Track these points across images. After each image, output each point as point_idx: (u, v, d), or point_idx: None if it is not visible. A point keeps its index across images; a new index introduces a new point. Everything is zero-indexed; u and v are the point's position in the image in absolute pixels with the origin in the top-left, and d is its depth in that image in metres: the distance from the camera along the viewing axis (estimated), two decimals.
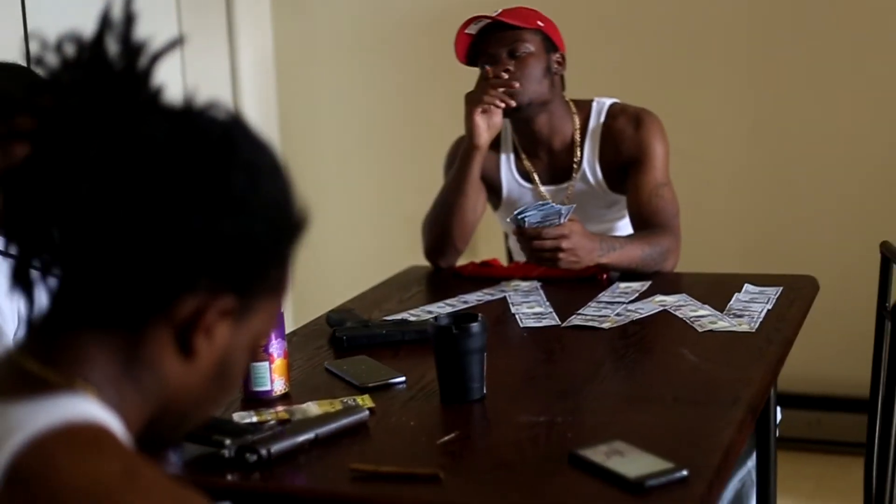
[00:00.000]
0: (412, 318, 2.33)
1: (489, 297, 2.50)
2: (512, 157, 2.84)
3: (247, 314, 0.99)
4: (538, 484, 1.51)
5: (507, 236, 3.23)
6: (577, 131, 2.78)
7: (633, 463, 1.50)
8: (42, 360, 0.94)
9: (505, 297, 2.49)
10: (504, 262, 3.03)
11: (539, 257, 2.46)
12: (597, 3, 3.81)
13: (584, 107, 2.81)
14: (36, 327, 0.97)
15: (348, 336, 2.16)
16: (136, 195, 0.90)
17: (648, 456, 1.53)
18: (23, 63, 2.05)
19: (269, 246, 0.98)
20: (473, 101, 2.63)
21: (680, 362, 2.00)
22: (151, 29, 0.99)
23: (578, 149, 2.77)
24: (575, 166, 2.77)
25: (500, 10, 2.67)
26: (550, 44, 2.71)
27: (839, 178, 3.77)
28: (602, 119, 2.78)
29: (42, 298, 0.98)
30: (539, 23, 2.69)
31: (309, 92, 4.36)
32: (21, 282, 0.96)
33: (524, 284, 2.59)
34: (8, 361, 0.95)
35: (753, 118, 3.84)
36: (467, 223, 2.76)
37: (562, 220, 2.43)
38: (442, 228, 2.76)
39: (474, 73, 2.68)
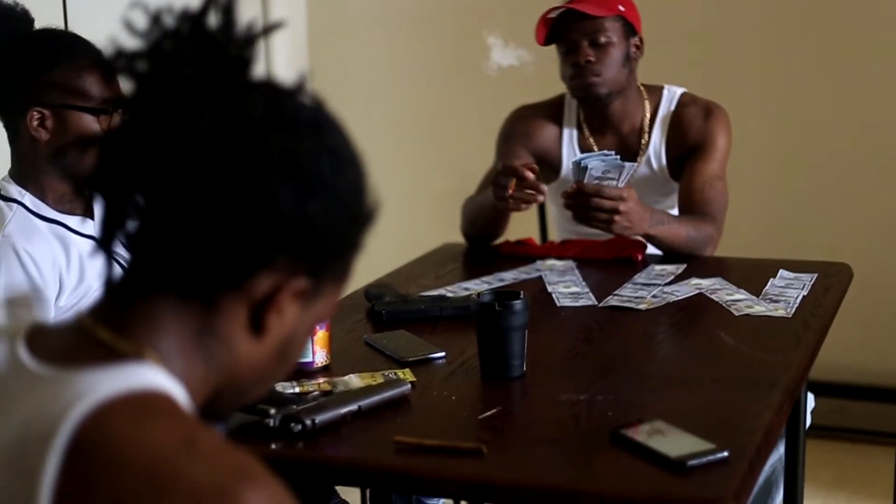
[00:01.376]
0: (450, 295, 2.34)
1: (525, 276, 2.51)
2: (575, 132, 2.83)
3: (315, 297, 1.00)
4: (580, 461, 1.53)
5: (541, 214, 3.23)
6: (647, 117, 2.79)
7: (674, 443, 1.52)
8: (114, 329, 0.95)
9: (541, 276, 2.50)
10: (538, 240, 3.04)
11: (594, 217, 2.46)
12: None
13: (655, 92, 2.82)
14: (110, 294, 0.99)
15: (387, 310, 2.18)
16: (230, 170, 0.92)
17: (689, 436, 1.54)
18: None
19: (346, 231, 0.99)
20: (503, 203, 2.50)
21: (718, 345, 2.01)
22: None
23: (647, 134, 2.78)
24: (641, 151, 2.79)
25: None
26: (630, 28, 2.72)
27: (869, 165, 3.75)
28: (672, 107, 2.80)
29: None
30: (620, 7, 2.68)
31: (341, 72, 4.36)
32: (104, 245, 0.97)
33: (559, 264, 2.60)
34: (80, 328, 0.97)
35: (784, 104, 3.83)
36: (504, 227, 2.79)
37: (621, 180, 2.45)
38: (480, 229, 2.78)
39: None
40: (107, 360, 0.93)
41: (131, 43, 0.96)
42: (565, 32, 2.67)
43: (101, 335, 0.95)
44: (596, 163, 2.45)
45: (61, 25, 2.80)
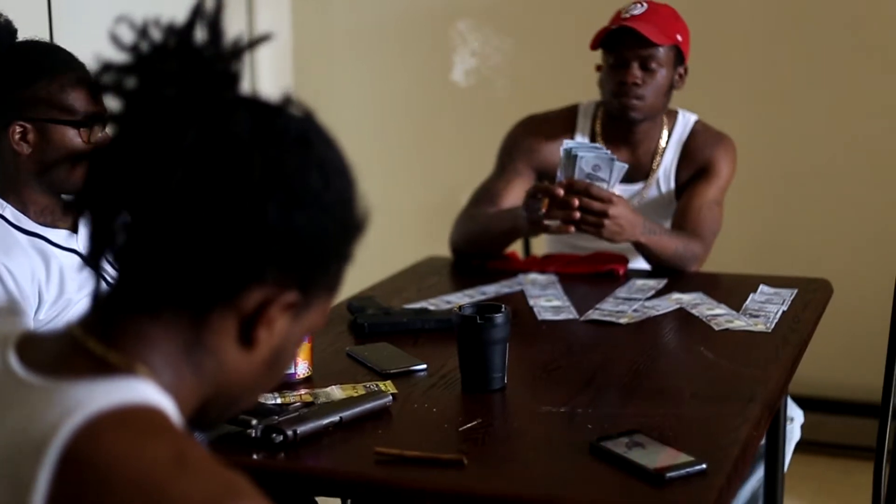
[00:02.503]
0: (432, 308, 2.35)
1: (507, 290, 2.52)
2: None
3: (305, 309, 1.01)
4: (560, 472, 1.54)
5: None
6: (664, 140, 2.80)
7: (653, 455, 1.53)
8: (104, 342, 0.96)
9: (523, 290, 2.51)
10: (520, 254, 3.05)
11: (582, 220, 2.45)
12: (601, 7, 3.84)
13: (670, 116, 2.83)
14: (99, 307, 1.00)
15: (370, 323, 2.19)
16: (217, 186, 0.93)
17: (668, 448, 1.56)
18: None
19: (335, 242, 1.00)
20: (537, 227, 2.51)
21: (697, 359, 2.03)
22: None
23: (660, 157, 2.80)
24: (651, 172, 2.80)
25: (645, 8, 2.65)
26: (681, 57, 2.72)
27: (850, 180, 3.78)
28: (686, 133, 2.82)
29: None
30: (678, 36, 2.68)
31: (325, 86, 4.38)
32: (92, 261, 0.98)
33: (542, 278, 2.61)
34: (70, 338, 0.97)
35: (764, 120, 3.85)
36: (507, 248, 2.80)
37: (612, 180, 2.45)
38: (481, 247, 2.77)
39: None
40: (98, 372, 0.93)
41: (118, 57, 0.97)
42: (620, 46, 2.65)
43: (91, 347, 0.96)
44: (587, 154, 2.44)
45: (46, 37, 2.81)
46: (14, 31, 2.04)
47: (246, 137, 0.95)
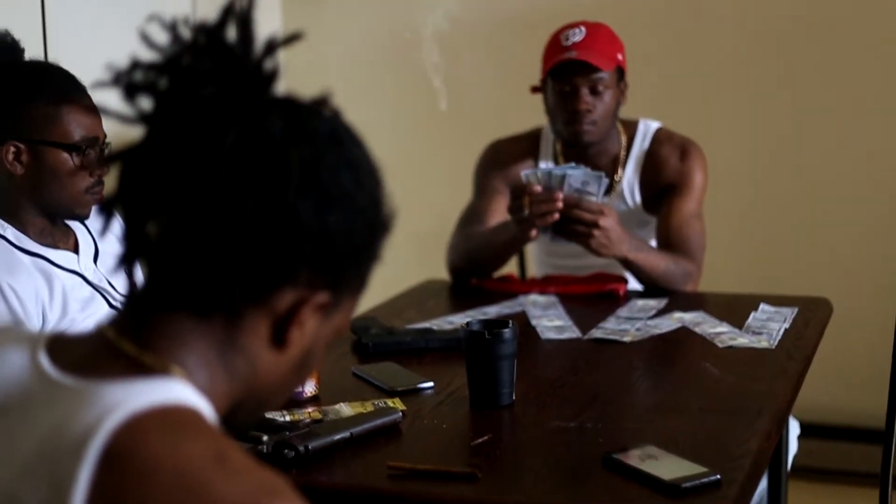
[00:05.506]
0: (435, 328, 2.35)
1: (508, 311, 2.52)
2: (551, 165, 2.85)
3: (334, 310, 1.01)
4: (574, 484, 1.54)
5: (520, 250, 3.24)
6: (622, 152, 2.82)
7: (667, 466, 1.53)
8: (138, 343, 0.96)
9: (524, 311, 2.51)
10: (517, 276, 3.06)
11: (573, 230, 2.48)
12: (599, 16, 3.86)
13: (629, 127, 2.86)
14: (132, 308, 1.00)
15: (374, 342, 2.18)
16: (255, 186, 0.93)
17: (681, 460, 1.55)
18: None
19: (366, 242, 1.01)
20: (525, 225, 2.52)
21: (703, 375, 2.03)
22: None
23: (621, 168, 2.82)
24: (614, 184, 2.81)
25: (584, 33, 2.68)
26: (621, 74, 2.76)
27: (853, 203, 3.78)
28: (647, 143, 2.83)
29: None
30: (619, 56, 2.72)
31: None
32: (126, 263, 0.98)
33: (542, 299, 2.61)
34: (102, 340, 0.97)
35: (758, 139, 3.86)
36: (507, 261, 2.82)
37: (600, 194, 2.48)
38: (479, 264, 2.78)
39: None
40: (133, 373, 0.93)
41: (148, 56, 0.97)
42: (569, 75, 2.68)
43: (125, 348, 0.96)
44: (575, 172, 2.47)
45: (40, 52, 2.80)
46: (21, 51, 2.04)
47: (281, 137, 0.95)
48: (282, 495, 0.88)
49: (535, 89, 2.79)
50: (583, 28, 2.70)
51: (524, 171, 2.56)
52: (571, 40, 2.68)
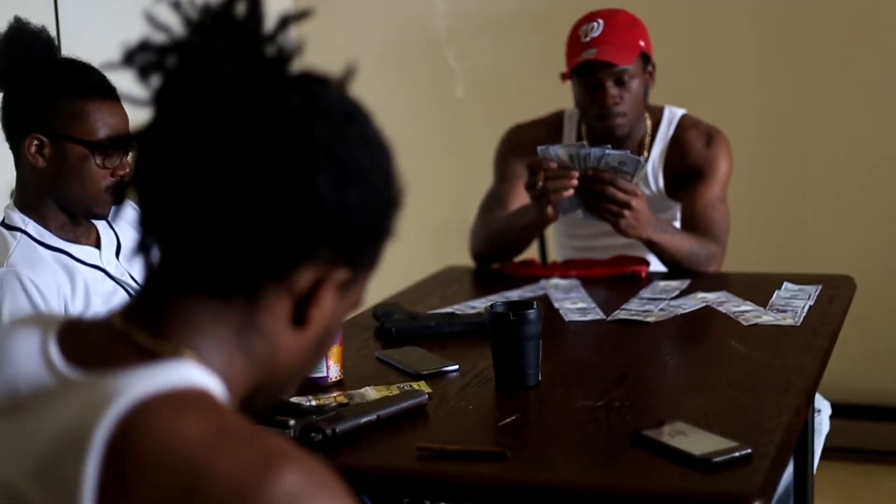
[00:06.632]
0: (458, 312, 2.34)
1: (531, 294, 2.51)
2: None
3: (352, 286, 1.01)
4: (605, 461, 1.53)
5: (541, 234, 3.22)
6: (647, 136, 2.81)
7: (697, 442, 1.52)
8: (151, 331, 0.95)
9: (546, 294, 2.50)
10: (539, 260, 3.05)
11: (605, 208, 2.47)
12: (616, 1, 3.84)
13: (655, 113, 2.84)
14: (144, 294, 0.99)
15: (397, 327, 2.18)
16: (276, 163, 0.92)
17: (711, 435, 1.54)
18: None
19: (381, 219, 1.00)
20: (542, 200, 2.51)
21: (730, 352, 2.02)
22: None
23: (646, 152, 2.80)
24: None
25: (602, 26, 2.65)
26: (647, 58, 2.74)
27: (874, 181, 3.75)
28: (672, 129, 2.82)
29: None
30: (641, 42, 2.70)
31: None
32: (142, 245, 0.97)
33: (564, 282, 2.61)
34: (113, 330, 0.96)
35: (780, 121, 3.84)
36: (529, 244, 2.81)
37: (635, 177, 2.47)
38: (502, 248, 2.78)
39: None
40: (140, 360, 0.92)
41: (157, 37, 0.95)
42: (591, 71, 2.66)
43: (138, 339, 0.95)
44: (613, 151, 2.46)
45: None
46: (54, 48, 2.03)
47: (303, 115, 0.94)
48: (289, 458, 0.86)
49: (564, 76, 2.77)
50: (600, 21, 2.66)
51: (548, 148, 2.51)
52: (590, 36, 2.65)
